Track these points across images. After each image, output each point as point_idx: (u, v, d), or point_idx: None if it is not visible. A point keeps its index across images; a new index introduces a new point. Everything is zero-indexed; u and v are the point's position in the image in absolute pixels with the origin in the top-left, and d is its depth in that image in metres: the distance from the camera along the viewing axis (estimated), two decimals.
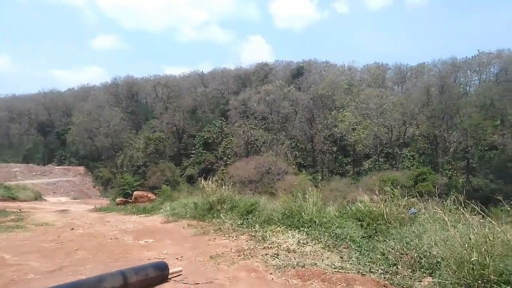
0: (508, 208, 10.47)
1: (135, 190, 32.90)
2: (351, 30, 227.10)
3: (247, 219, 11.73)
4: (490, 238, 6.02)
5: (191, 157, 68.63)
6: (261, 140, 62.73)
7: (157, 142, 64.95)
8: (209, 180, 15.34)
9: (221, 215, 12.65)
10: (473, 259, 5.60)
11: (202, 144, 68.94)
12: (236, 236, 10.17)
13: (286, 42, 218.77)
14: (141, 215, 17.21)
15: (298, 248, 8.50)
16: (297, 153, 62.96)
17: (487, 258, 5.63)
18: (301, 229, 9.84)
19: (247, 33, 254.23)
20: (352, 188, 42.83)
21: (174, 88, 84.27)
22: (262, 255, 7.99)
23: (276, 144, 61.61)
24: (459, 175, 52.46)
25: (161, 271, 6.31)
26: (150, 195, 26.81)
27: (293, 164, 57.33)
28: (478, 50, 67.21)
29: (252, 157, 55.85)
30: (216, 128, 69.25)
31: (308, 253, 8.10)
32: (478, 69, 64.99)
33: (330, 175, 59.62)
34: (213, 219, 12.66)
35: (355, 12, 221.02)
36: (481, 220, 7.12)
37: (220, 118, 72.18)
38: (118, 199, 28.31)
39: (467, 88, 66.60)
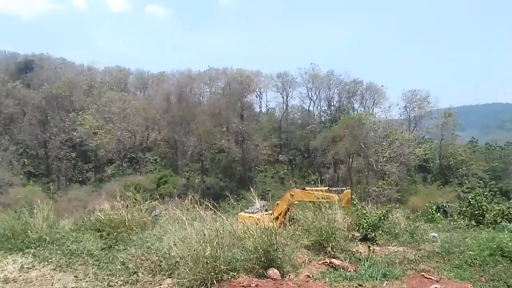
0: (234, 202, 12.10)
1: None
2: (90, 28, 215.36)
3: None
4: (221, 231, 6.63)
5: None
6: None
7: None
8: None
9: None
10: (207, 253, 5.94)
11: None
12: None
13: (10, 30, 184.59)
14: None
15: (21, 276, 6.92)
16: (26, 160, 53.95)
17: (218, 250, 6.11)
18: (26, 251, 8.12)
19: None
20: (94, 196, 40.23)
21: None
22: None
23: None
24: (196, 175, 58.31)
25: None
26: None
27: (20, 174, 48.75)
28: (209, 65, 77.32)
29: None
30: None
31: (34, 279, 6.72)
32: (209, 82, 74.55)
33: (68, 183, 54.12)
34: None
35: (95, 11, 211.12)
36: (213, 216, 7.84)
37: None
38: None
39: (201, 98, 75.23)
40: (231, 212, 12.18)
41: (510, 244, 8.49)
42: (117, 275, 6.64)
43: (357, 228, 10.42)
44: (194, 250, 6.17)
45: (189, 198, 9.07)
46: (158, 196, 11.98)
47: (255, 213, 14.42)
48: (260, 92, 75.35)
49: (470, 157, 57.98)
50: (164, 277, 6.42)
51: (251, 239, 6.49)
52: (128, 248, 7.82)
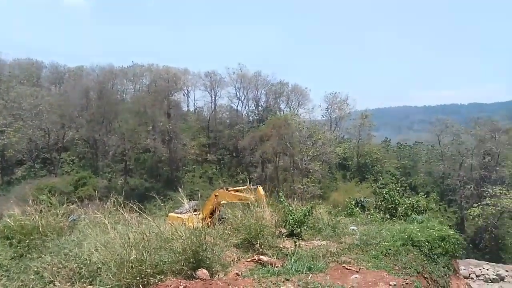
0: (161, 204, 11.73)
1: None
2: None
3: None
4: (147, 234, 6.38)
5: None
6: None
7: None
8: None
9: None
10: (132, 257, 5.70)
11: None
12: None
13: None
14: None
15: None
16: None
17: (144, 254, 5.89)
18: None
19: None
20: (1, 201, 36.30)
21: None
22: None
23: None
24: (118, 176, 55.44)
25: None
26: None
27: None
28: (133, 61, 73.90)
29: None
30: None
31: None
32: (133, 78, 71.30)
33: None
34: None
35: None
36: (139, 218, 7.53)
37: None
38: None
39: (124, 95, 71.65)
40: (158, 214, 11.84)
41: (419, 234, 9.40)
42: (31, 286, 6.11)
43: (284, 224, 10.74)
44: (117, 255, 5.89)
45: (111, 201, 8.61)
46: (76, 199, 11.24)
47: (184, 213, 14.21)
48: (187, 90, 74.08)
49: (384, 156, 63.16)
50: (84, 284, 6.04)
51: (179, 241, 6.34)
52: (43, 256, 7.21)
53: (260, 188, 13.39)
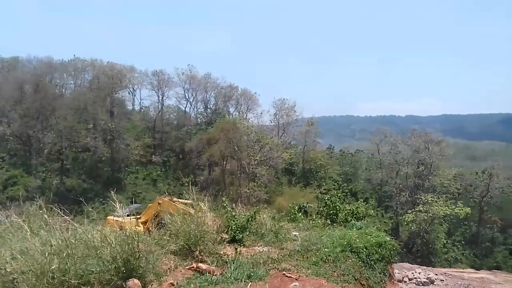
0: (99, 206, 10.93)
1: None
2: None
3: None
4: (73, 240, 5.83)
5: None
6: None
7: None
8: None
9: None
10: (53, 267, 5.17)
11: None
12: None
13: None
14: None
15: None
16: None
17: (68, 263, 5.39)
18: None
19: None
20: None
21: None
22: None
23: None
24: (53, 176, 51.95)
25: None
26: None
27: None
28: (74, 55, 70.04)
29: None
30: None
31: None
32: (74, 73, 67.40)
33: None
34: None
35: None
36: (68, 223, 6.88)
37: None
38: None
39: (63, 90, 67.48)
40: (96, 217, 11.01)
41: (358, 241, 9.59)
42: None
43: (226, 230, 10.47)
44: (38, 264, 5.31)
45: (38, 203, 7.81)
46: (6, 199, 10.17)
47: (124, 217, 13.47)
48: (133, 89, 71.64)
49: (328, 162, 65.15)
50: None
51: (109, 248, 5.84)
52: None
53: (202, 205, 13.01)
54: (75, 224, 5.94)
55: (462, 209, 44.14)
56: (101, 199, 42.57)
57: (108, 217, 16.74)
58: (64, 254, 5.40)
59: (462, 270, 31.56)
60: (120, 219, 13.54)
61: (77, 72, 67.14)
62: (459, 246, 49.93)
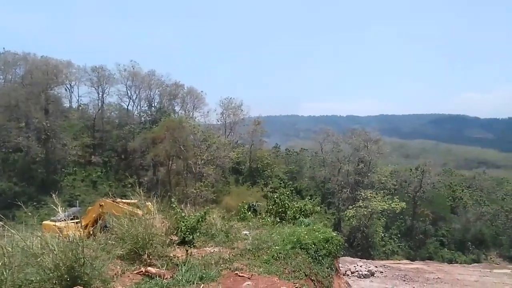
0: (33, 211, 10.13)
1: None
2: None
3: None
4: (9, 248, 5.36)
5: None
6: None
7: None
8: None
9: None
10: None
11: None
12: None
13: None
14: None
15: None
16: None
17: (5, 272, 4.95)
18: None
19: None
20: None
21: None
22: None
23: None
24: None
25: None
26: None
27: None
28: (4, 48, 64.41)
29: None
30: None
31: None
32: (4, 68, 62.01)
33: None
34: None
35: None
36: (4, 229, 6.31)
37: None
38: None
39: None
40: (29, 223, 10.22)
41: (306, 237, 9.83)
42: None
43: (175, 232, 10.23)
44: None
45: None
46: None
47: (62, 221, 12.64)
48: (70, 85, 67.34)
49: (274, 161, 66.36)
50: None
51: (51, 255, 5.44)
52: None
53: (150, 204, 12.58)
54: (12, 230, 5.44)
55: (398, 204, 47.05)
56: (35, 203, 39.65)
57: (44, 222, 15.70)
58: (0, 263, 4.94)
59: (398, 261, 33.77)
60: (58, 223, 12.73)
61: (7, 66, 61.72)
62: (395, 239, 53.15)
